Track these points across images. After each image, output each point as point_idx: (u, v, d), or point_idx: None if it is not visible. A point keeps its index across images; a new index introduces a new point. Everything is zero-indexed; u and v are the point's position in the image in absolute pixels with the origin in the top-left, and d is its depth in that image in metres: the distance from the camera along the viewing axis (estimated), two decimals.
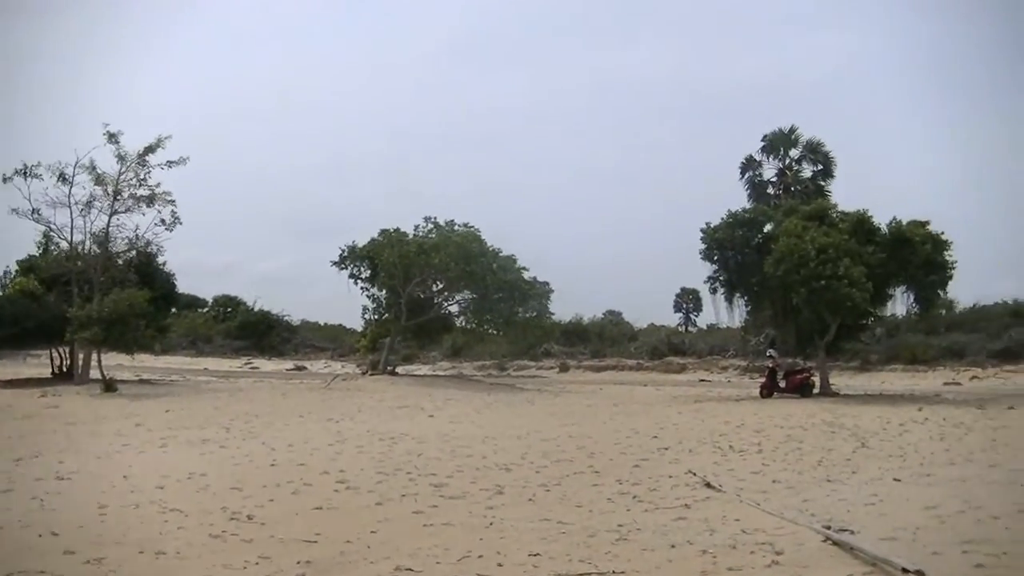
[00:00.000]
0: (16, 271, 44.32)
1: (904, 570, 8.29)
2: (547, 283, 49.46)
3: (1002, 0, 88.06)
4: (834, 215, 37.80)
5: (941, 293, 38.96)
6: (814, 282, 33.31)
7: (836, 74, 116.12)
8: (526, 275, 48.31)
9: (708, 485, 14.01)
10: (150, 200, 39.54)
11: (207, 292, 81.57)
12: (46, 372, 41.49)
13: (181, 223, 40.41)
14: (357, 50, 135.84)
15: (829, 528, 10.53)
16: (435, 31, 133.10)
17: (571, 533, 10.74)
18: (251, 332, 71.82)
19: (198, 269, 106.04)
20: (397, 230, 48.19)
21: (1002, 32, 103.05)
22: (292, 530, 10.85)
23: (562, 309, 64.14)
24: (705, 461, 16.94)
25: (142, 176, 39.30)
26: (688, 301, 79.78)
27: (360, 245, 49.08)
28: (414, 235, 48.10)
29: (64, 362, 41.55)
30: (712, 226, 37.76)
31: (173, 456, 17.74)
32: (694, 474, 15.02)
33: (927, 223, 36.42)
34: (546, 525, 11.22)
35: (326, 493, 13.53)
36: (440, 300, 50.36)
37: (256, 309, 75.12)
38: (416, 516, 11.85)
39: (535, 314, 48.81)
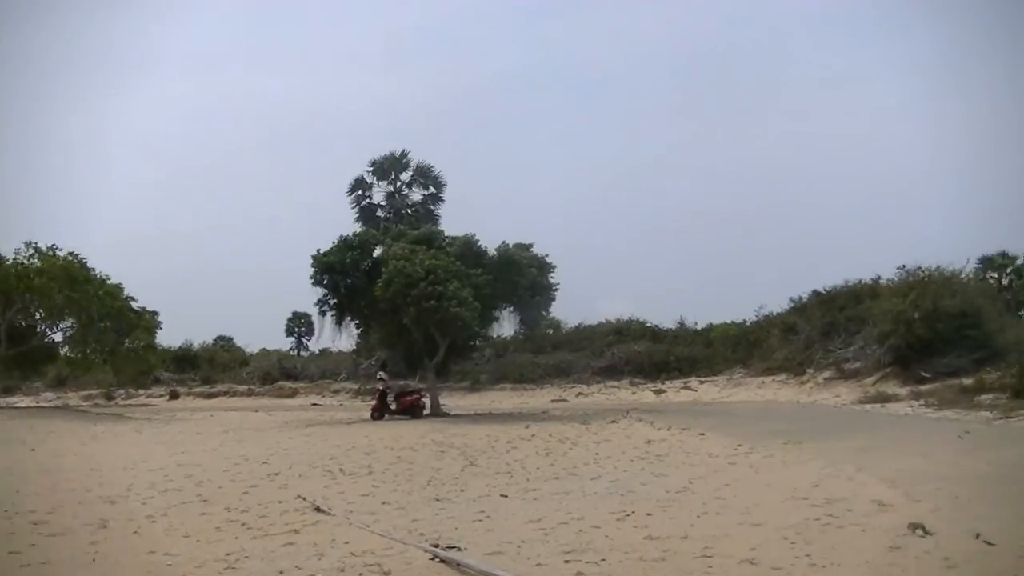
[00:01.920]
0: None
1: None
2: (156, 312, 48.09)
3: None
4: (442, 238, 38.67)
5: (545, 314, 40.61)
6: (423, 303, 33.93)
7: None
8: (134, 304, 46.69)
9: (318, 509, 13.87)
10: None
11: None
12: None
13: None
14: None
15: (437, 546, 10.68)
16: None
17: (177, 565, 10.42)
18: None
19: None
20: None
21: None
22: None
23: (172, 335, 62.70)
24: (315, 485, 16.78)
25: None
26: (300, 325, 79.31)
27: None
28: (14, 259, 45.37)
29: None
30: (322, 251, 37.73)
31: None
32: (304, 499, 14.86)
33: (531, 246, 37.89)
34: (152, 558, 10.81)
35: None
36: (42, 329, 47.86)
37: None
38: (12, 556, 11.20)
39: (142, 344, 47.21)
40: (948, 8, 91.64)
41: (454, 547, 10.66)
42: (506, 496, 15.10)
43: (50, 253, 45.59)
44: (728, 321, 57.72)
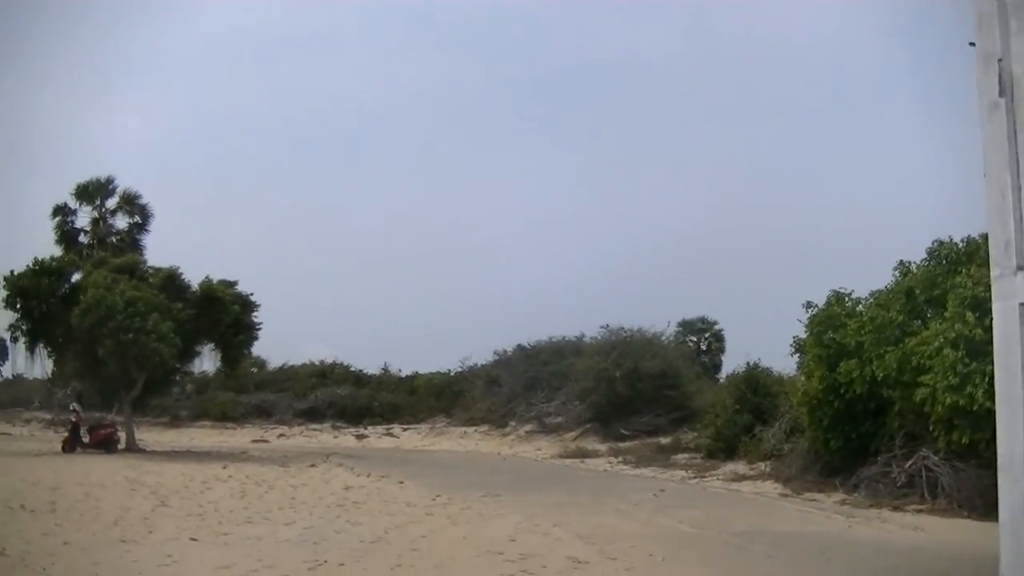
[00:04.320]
0: None
1: None
2: None
3: None
4: (145, 269, 37.78)
5: (247, 352, 40.12)
6: (121, 335, 32.87)
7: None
8: None
9: None
10: None
11: None
12: None
13: None
14: None
15: None
16: None
17: None
18: None
19: None
20: None
21: None
22: None
23: None
24: None
25: None
26: None
27: None
28: None
29: None
30: (16, 273, 35.87)
31: None
32: None
33: (235, 283, 37.49)
34: None
35: None
36: None
37: None
38: None
39: None
40: None
41: None
42: (196, 540, 14.79)
43: None
44: (433, 371, 57.78)
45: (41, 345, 37.21)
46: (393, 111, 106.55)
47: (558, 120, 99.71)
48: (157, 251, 52.32)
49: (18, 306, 35.85)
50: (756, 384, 31.89)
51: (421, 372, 57.83)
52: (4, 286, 35.56)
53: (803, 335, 25.24)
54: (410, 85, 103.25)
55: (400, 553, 13.72)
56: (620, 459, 33.71)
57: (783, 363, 31.53)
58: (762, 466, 27.20)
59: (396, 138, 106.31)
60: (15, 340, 37.22)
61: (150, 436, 43.07)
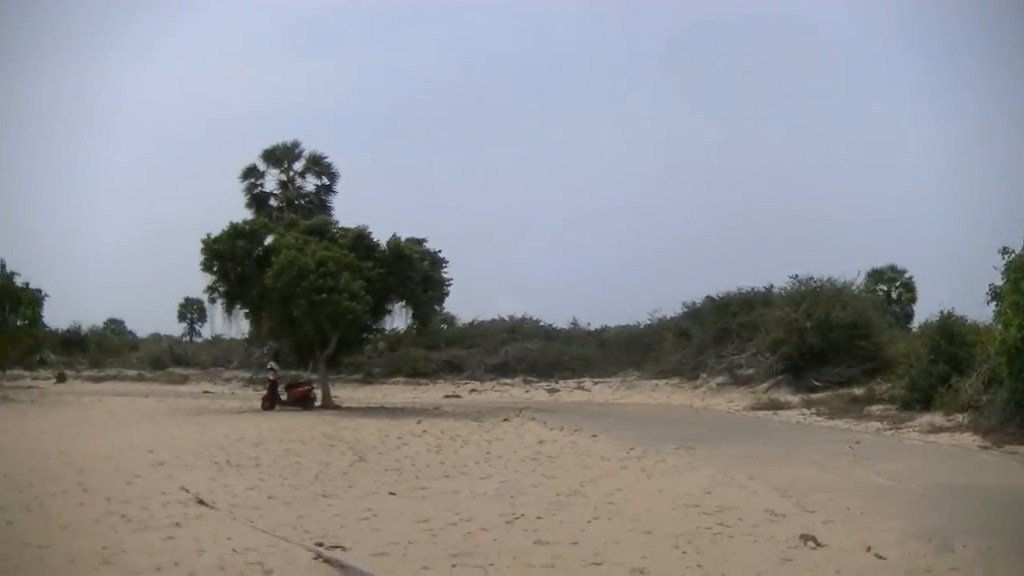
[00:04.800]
0: None
1: None
2: (40, 290, 46.59)
3: None
4: (334, 230, 38.34)
5: (438, 308, 40.44)
6: (314, 295, 33.56)
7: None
8: (17, 281, 45.24)
9: (201, 502, 13.56)
10: None
11: None
12: None
13: None
14: None
15: (321, 545, 10.47)
16: None
17: (48, 559, 10.05)
18: None
19: None
20: None
21: None
22: None
23: (60, 317, 61.21)
24: (201, 477, 16.40)
25: None
26: (192, 311, 78.04)
27: None
28: None
29: None
30: (212, 237, 36.97)
31: None
32: (188, 491, 14.47)
33: (424, 240, 37.76)
34: (23, 551, 10.41)
35: None
36: None
37: None
38: None
39: (27, 322, 45.77)
40: None
41: (338, 547, 10.45)
42: (394, 494, 14.92)
43: None
44: (622, 324, 57.49)
45: (238, 306, 38.31)
46: (585, 65, 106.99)
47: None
48: (344, 210, 53.55)
49: (215, 268, 37.00)
50: (951, 333, 30.67)
51: (610, 326, 57.83)
52: (201, 250, 36.66)
53: (999, 282, 24.22)
54: (606, 41, 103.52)
55: (596, 506, 13.60)
56: (813, 411, 32.88)
57: (978, 311, 30.36)
58: (960, 417, 26.04)
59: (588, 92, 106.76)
60: (213, 301, 38.34)
61: (344, 393, 43.98)
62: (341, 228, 39.17)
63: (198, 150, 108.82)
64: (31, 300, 45.26)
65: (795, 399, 36.56)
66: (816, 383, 37.84)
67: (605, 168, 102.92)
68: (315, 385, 37.65)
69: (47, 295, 46.55)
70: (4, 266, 44.82)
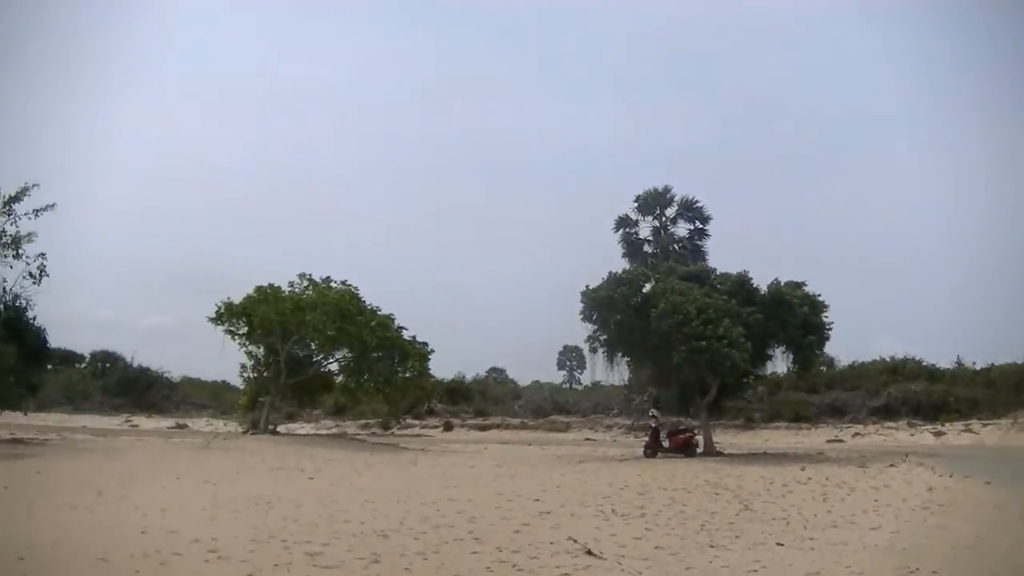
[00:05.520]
0: None
1: None
2: (426, 343, 48.56)
3: None
4: (713, 276, 38.25)
5: (819, 352, 39.56)
6: (694, 341, 33.47)
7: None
8: (405, 334, 47.45)
9: (589, 552, 13.60)
10: (15, 251, 36.84)
11: (89, 346, 77.88)
12: None
13: (48, 275, 37.65)
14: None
15: None
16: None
17: None
18: (130, 389, 69.46)
19: (81, 322, 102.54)
20: (271, 286, 46.62)
21: None
22: None
23: (445, 366, 63.74)
24: (587, 526, 16.51)
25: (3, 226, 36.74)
26: (571, 358, 79.68)
27: (236, 302, 47.04)
28: (289, 291, 46.83)
29: None
30: (591, 287, 37.58)
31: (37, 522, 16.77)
32: (575, 540, 14.56)
33: (803, 284, 37.10)
34: None
35: (195, 564, 12.72)
36: (319, 358, 49.20)
37: (135, 365, 72.94)
38: None
39: (415, 373, 47.83)
40: None
41: None
42: (782, 544, 14.45)
43: (324, 286, 46.97)
44: (1009, 361, 54.13)
45: (619, 354, 38.62)
46: None
47: None
48: (717, 255, 53.53)
49: (594, 317, 37.45)
50: None
51: (996, 363, 54.80)
52: (582, 299, 37.29)
53: None
54: None
55: (992, 564, 12.75)
56: None
57: None
58: None
59: None
60: (594, 351, 38.91)
61: (725, 439, 43.68)
62: (721, 274, 38.98)
63: (570, 203, 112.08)
64: (419, 354, 47.22)
65: None
66: None
67: None
68: (696, 431, 37.48)
69: (432, 349, 48.49)
70: (394, 320, 47.04)
